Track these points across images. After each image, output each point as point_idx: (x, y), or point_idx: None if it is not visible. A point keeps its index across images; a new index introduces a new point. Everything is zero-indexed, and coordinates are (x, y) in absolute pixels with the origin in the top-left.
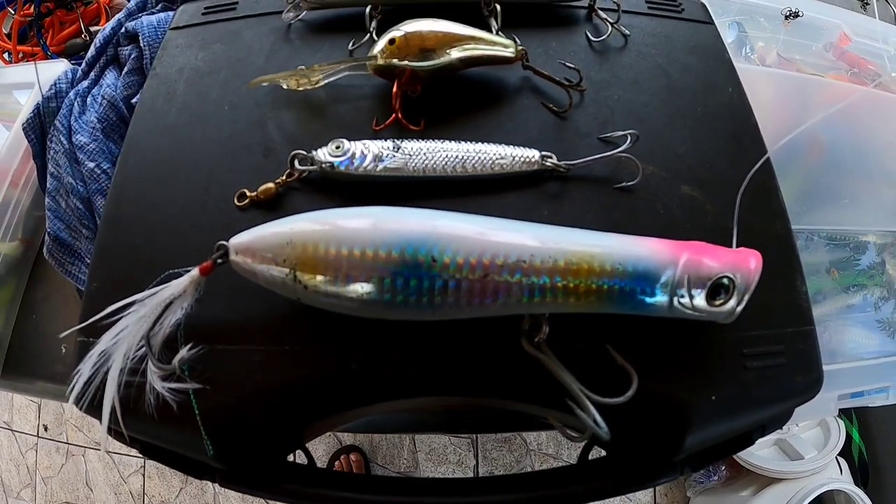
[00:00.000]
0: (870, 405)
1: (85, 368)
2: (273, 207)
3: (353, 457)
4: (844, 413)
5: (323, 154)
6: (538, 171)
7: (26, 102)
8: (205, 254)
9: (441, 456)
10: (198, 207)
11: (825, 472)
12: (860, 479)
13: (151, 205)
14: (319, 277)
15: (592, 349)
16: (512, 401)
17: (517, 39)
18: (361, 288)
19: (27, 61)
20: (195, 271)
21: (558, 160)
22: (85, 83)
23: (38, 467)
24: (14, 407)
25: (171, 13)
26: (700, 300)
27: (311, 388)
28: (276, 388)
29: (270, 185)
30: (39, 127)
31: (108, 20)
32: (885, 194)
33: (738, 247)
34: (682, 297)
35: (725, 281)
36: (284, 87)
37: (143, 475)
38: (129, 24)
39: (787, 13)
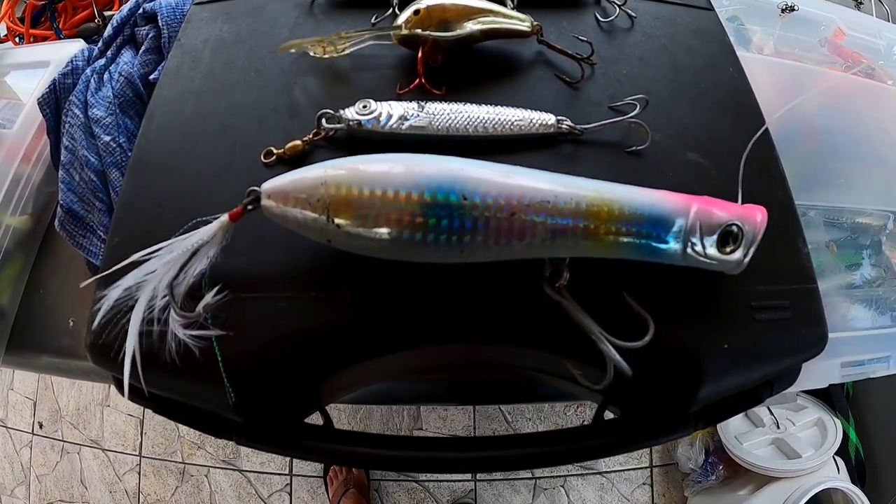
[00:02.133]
0: (871, 375)
1: (108, 299)
2: (299, 164)
3: None
4: (841, 412)
5: (350, 113)
6: (553, 134)
7: (41, 79)
8: (230, 208)
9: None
10: (223, 165)
11: (822, 471)
12: (857, 477)
13: (176, 163)
14: (352, 218)
15: (610, 297)
16: (532, 349)
17: (532, 17)
18: (394, 228)
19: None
20: (224, 217)
21: (573, 124)
22: (102, 61)
23: (33, 465)
24: (9, 404)
25: None
26: (711, 248)
27: (337, 333)
28: (302, 333)
29: (297, 142)
30: (55, 102)
31: (121, 5)
32: (877, 177)
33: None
34: (695, 244)
35: (734, 229)
36: (311, 53)
37: (139, 473)
38: (147, 5)
39: (784, 6)
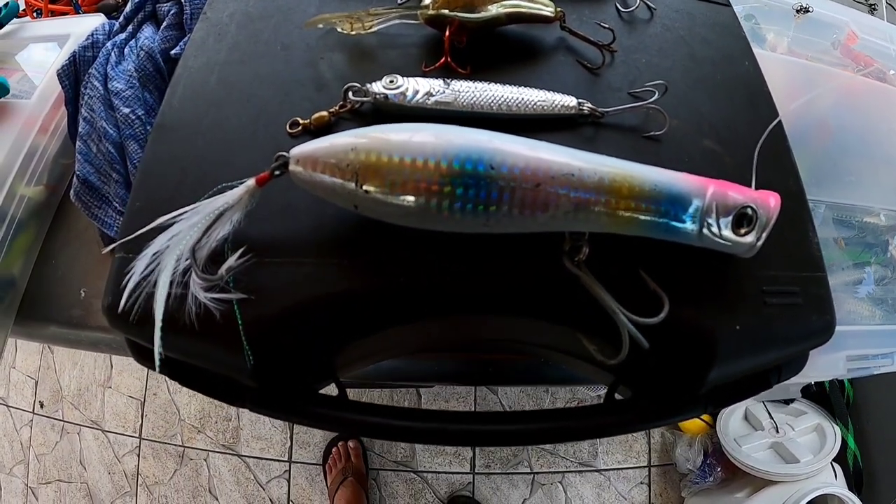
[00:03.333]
0: (875, 371)
1: (138, 268)
2: (324, 136)
3: (350, 444)
4: (841, 419)
5: (377, 87)
6: (575, 116)
7: (61, 52)
8: (253, 174)
9: (438, 447)
10: (247, 134)
11: (820, 477)
12: (854, 484)
13: (200, 131)
14: (381, 185)
15: (627, 274)
16: (550, 321)
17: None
18: (421, 196)
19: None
20: (251, 181)
21: (594, 107)
22: (122, 35)
23: (32, 444)
24: (11, 382)
25: None
26: (726, 229)
27: (358, 300)
28: (323, 299)
29: (324, 113)
30: (74, 74)
31: None
32: (886, 177)
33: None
34: (711, 224)
35: (749, 211)
36: (339, 29)
37: (138, 455)
38: None
39: (799, 7)
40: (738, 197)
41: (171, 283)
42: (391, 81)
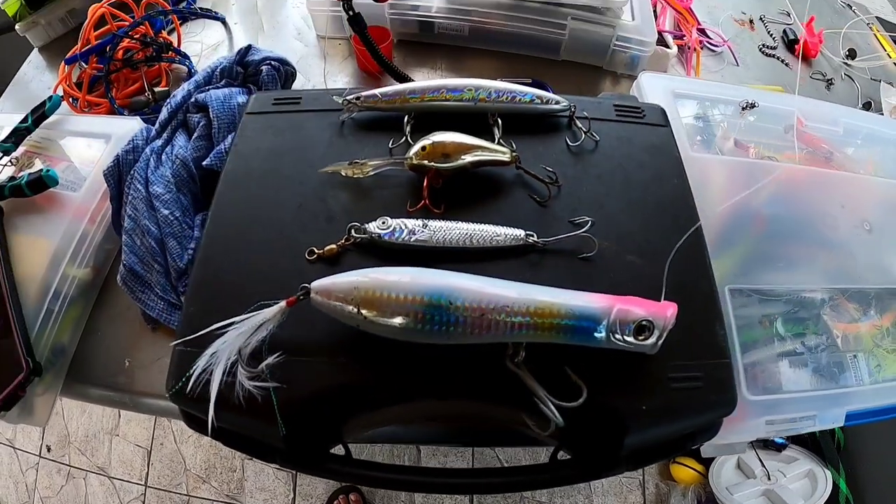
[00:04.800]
0: (802, 431)
1: (200, 364)
2: (334, 263)
3: (352, 496)
4: (832, 463)
5: (373, 227)
6: (523, 245)
7: (104, 152)
8: (281, 290)
9: (437, 499)
10: (276, 256)
11: None
12: None
13: (237, 252)
14: (375, 311)
15: (555, 370)
16: (498, 404)
17: (513, 144)
18: (403, 319)
19: (92, 110)
20: (283, 303)
21: (538, 238)
22: (159, 142)
23: (38, 487)
24: (18, 426)
25: (234, 89)
26: (629, 336)
27: (358, 387)
28: (333, 387)
29: (333, 246)
30: (118, 174)
31: (167, 82)
32: (819, 257)
33: (666, 299)
34: (616, 333)
35: (645, 323)
36: (343, 174)
37: (143, 502)
38: (199, 96)
39: (745, 104)
40: (638, 311)
41: (223, 373)
42: (383, 223)
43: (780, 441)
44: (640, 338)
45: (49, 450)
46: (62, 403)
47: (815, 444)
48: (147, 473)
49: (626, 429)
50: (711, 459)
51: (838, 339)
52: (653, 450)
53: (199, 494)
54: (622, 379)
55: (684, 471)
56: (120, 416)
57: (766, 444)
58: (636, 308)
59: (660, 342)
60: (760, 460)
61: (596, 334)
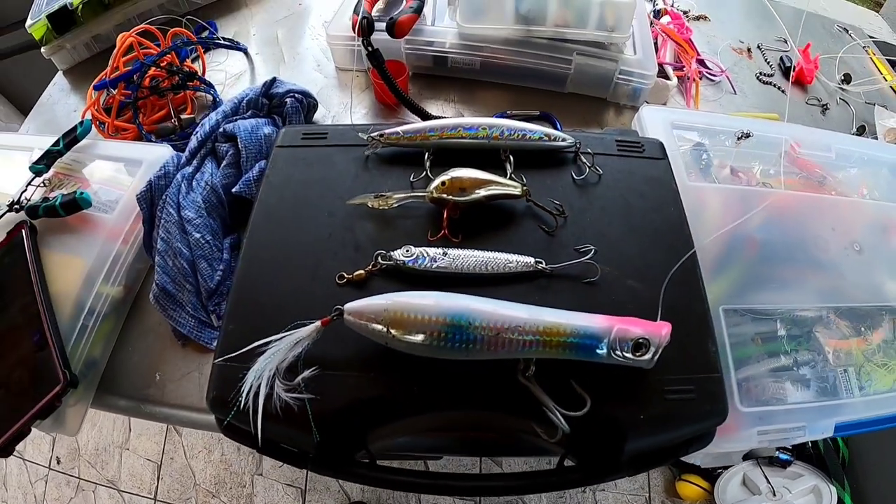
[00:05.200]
0: (793, 441)
1: (249, 380)
2: (362, 287)
3: None
4: (836, 478)
5: (398, 254)
6: (533, 271)
7: (137, 176)
8: (312, 311)
9: None
10: (307, 280)
11: None
12: None
13: (272, 275)
14: (402, 331)
15: (561, 383)
16: (511, 414)
17: (524, 178)
18: (427, 338)
19: (120, 135)
20: (318, 323)
21: (546, 264)
22: (189, 169)
23: (46, 498)
24: (28, 437)
25: (260, 120)
26: (627, 353)
27: (386, 399)
28: (364, 399)
29: (362, 272)
30: (150, 199)
31: (193, 109)
32: (810, 278)
33: (662, 319)
34: (616, 350)
35: (642, 341)
36: (369, 205)
37: None
38: (228, 126)
39: (740, 135)
40: (636, 331)
41: (266, 387)
42: (407, 251)
43: (785, 457)
44: (638, 354)
45: (59, 462)
46: None
47: (820, 460)
48: (157, 487)
49: (625, 436)
50: (717, 476)
51: (829, 355)
52: (651, 456)
53: None
54: (622, 391)
55: (690, 488)
56: (130, 429)
57: (771, 461)
58: (634, 328)
59: (655, 358)
60: (766, 476)
61: (598, 351)
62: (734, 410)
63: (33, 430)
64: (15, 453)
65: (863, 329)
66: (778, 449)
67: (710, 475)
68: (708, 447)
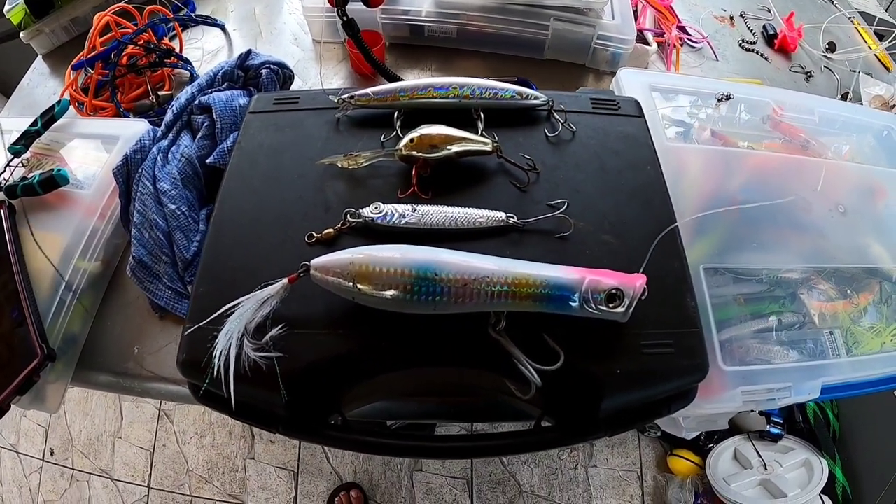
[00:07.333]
0: (779, 401)
1: (220, 342)
2: (331, 245)
3: (352, 493)
4: (828, 452)
5: (366, 212)
6: (504, 226)
7: (113, 152)
8: (283, 272)
9: (438, 496)
10: (278, 241)
11: None
12: None
13: (242, 238)
14: (369, 285)
15: (534, 338)
16: (482, 369)
17: (495, 136)
18: (394, 291)
19: (98, 114)
20: (285, 280)
21: (518, 219)
22: (165, 142)
23: (41, 490)
24: (21, 430)
25: (235, 91)
26: (601, 305)
27: (355, 358)
28: (332, 356)
29: (331, 230)
30: (126, 172)
31: (170, 86)
32: (791, 239)
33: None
34: (589, 302)
35: (616, 291)
36: (339, 165)
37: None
38: (203, 98)
39: (720, 97)
40: (608, 282)
41: (237, 349)
42: (376, 208)
43: (776, 431)
44: (612, 306)
45: (52, 453)
46: (65, 408)
47: (811, 434)
48: (150, 475)
49: (602, 392)
50: (708, 451)
51: (815, 317)
52: (630, 414)
53: (201, 495)
54: (598, 347)
55: (682, 463)
56: (122, 418)
57: (762, 435)
58: (607, 279)
59: (630, 310)
60: (757, 450)
61: (570, 303)
62: (717, 370)
63: (28, 421)
64: (9, 447)
65: (849, 292)
66: (769, 423)
67: (702, 450)
68: (691, 408)
